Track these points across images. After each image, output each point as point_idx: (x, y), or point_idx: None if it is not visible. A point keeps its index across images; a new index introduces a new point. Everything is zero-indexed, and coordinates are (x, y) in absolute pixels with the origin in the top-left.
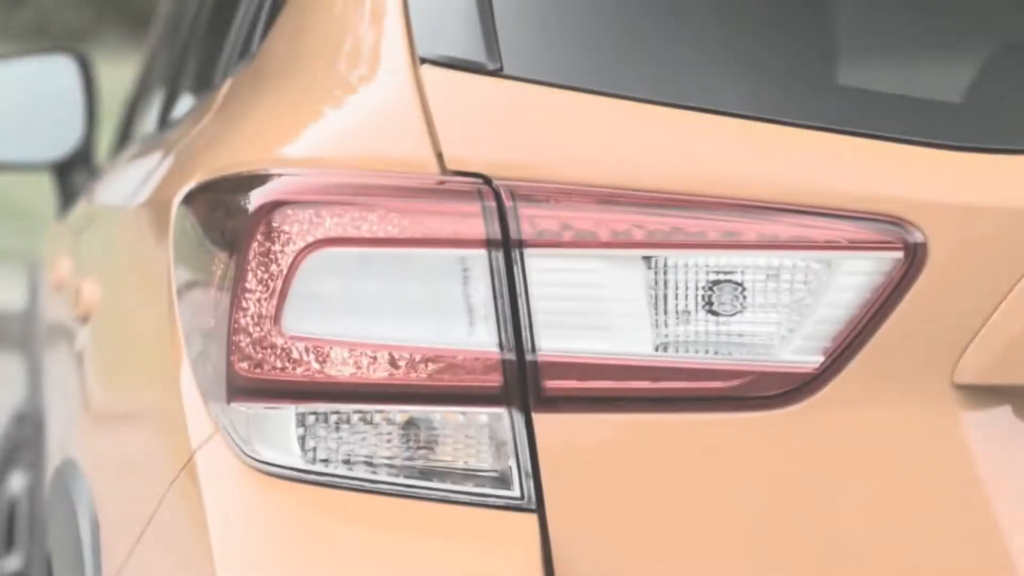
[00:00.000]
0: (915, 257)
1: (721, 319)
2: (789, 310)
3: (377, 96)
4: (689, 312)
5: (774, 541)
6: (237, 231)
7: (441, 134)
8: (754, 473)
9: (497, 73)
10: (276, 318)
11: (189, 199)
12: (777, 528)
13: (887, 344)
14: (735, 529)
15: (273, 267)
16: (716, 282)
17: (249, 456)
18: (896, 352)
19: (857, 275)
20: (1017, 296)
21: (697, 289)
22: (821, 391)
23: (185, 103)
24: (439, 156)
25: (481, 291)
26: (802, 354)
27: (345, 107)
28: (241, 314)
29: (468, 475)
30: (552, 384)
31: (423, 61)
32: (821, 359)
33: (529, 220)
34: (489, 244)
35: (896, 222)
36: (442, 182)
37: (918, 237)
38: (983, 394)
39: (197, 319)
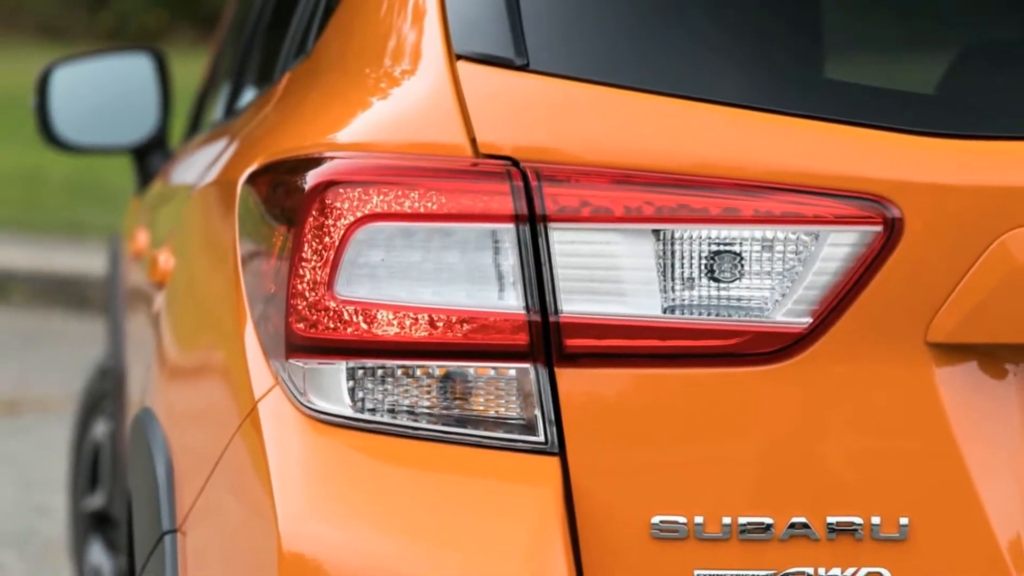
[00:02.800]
0: (893, 230)
1: (722, 285)
2: (782, 277)
3: (417, 88)
4: (693, 279)
5: (768, 479)
6: (294, 207)
7: (475, 122)
8: (750, 419)
9: (524, 68)
10: (329, 284)
11: (252, 179)
12: (770, 467)
13: (868, 307)
14: (733, 467)
15: (326, 239)
16: (717, 252)
17: (305, 406)
18: (876, 314)
19: (842, 246)
20: (983, 265)
21: (700, 259)
22: (810, 348)
23: (248, 94)
24: (472, 141)
25: (510, 260)
26: (793, 316)
27: (389, 98)
28: (298, 281)
29: (498, 422)
30: (572, 342)
31: (459, 57)
32: (810, 320)
33: (552, 197)
34: (517, 219)
35: (876, 199)
36: (475, 164)
37: (896, 212)
38: (952, 351)
39: (259, 285)
